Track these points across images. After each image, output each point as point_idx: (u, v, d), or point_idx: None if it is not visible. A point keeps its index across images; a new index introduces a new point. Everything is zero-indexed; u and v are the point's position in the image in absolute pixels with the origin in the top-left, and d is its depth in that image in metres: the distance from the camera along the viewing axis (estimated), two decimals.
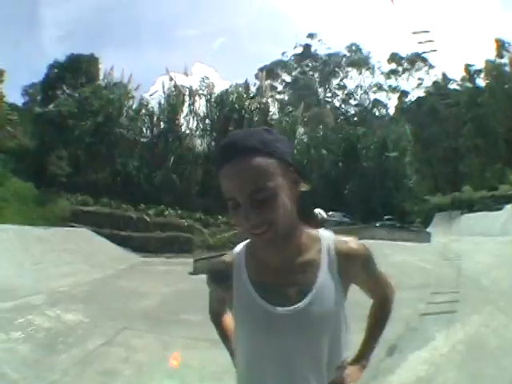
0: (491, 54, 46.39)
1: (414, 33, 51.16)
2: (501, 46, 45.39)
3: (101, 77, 35.34)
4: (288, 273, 1.47)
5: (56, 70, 34.69)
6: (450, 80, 55.73)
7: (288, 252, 1.48)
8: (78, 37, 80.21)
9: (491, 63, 45.50)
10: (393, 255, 14.84)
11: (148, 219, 23.99)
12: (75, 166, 27.62)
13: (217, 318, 1.96)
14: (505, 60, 44.60)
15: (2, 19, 68.63)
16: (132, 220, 23.75)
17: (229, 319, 1.85)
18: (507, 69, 43.76)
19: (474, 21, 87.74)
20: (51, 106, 30.34)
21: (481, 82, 49.23)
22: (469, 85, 50.72)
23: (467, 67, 51.38)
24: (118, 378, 5.51)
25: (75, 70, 34.23)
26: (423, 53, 53.39)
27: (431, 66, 56.89)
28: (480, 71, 49.42)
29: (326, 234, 1.58)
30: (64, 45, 66.64)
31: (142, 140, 33.01)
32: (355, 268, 1.52)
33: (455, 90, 53.28)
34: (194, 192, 30.13)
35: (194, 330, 7.45)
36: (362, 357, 1.75)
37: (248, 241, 1.64)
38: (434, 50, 51.60)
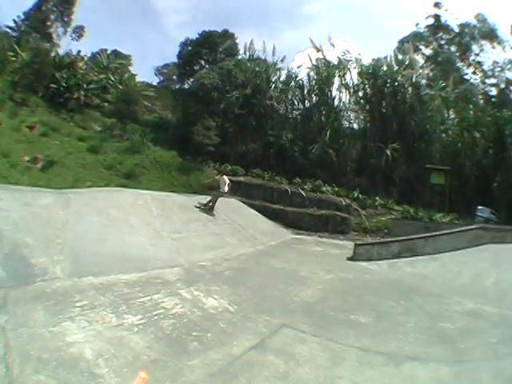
0: None
1: None
2: None
3: (241, 51, 34.37)
4: None
5: (190, 48, 34.72)
6: None
7: None
8: (200, 21, 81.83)
9: None
10: None
11: (304, 194, 22.35)
12: (223, 137, 27.11)
13: None
14: None
15: (120, 15, 74.75)
16: (286, 193, 22.31)
17: None
18: None
19: None
20: (191, 80, 31.14)
21: None
22: None
23: None
24: None
25: (211, 45, 34.11)
26: None
27: None
28: None
29: None
30: (188, 29, 68.54)
31: (294, 112, 31.85)
32: None
33: None
34: (350, 169, 28.30)
35: (366, 339, 6.48)
36: None
37: None
38: None
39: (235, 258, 10.53)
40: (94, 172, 19.32)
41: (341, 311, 7.57)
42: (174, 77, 39.15)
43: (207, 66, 32.16)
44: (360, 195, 22.98)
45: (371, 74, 29.12)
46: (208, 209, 13.73)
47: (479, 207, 23.53)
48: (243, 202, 18.94)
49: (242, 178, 23.03)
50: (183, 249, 9.85)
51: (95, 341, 4.63)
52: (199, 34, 34.17)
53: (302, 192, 22.01)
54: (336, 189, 23.25)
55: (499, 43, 49.11)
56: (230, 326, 5.85)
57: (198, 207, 13.57)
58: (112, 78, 29.75)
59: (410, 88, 29.32)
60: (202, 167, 23.90)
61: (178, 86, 35.71)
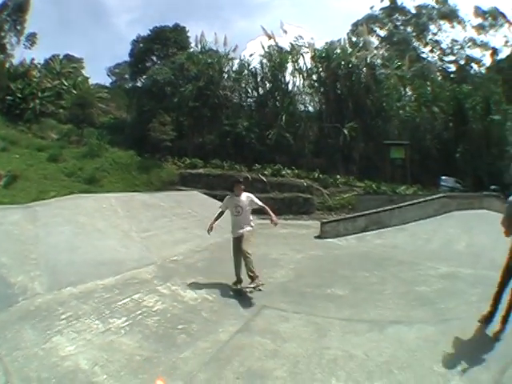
0: None
1: None
2: None
3: (192, 44, 34.43)
4: None
5: (141, 45, 34.55)
6: None
7: None
8: (151, 18, 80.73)
9: None
10: None
11: (264, 179, 22.49)
12: (180, 131, 26.96)
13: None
14: None
15: (71, 18, 72.82)
16: (247, 180, 21.52)
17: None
18: None
19: None
20: (144, 77, 31.18)
21: None
22: None
23: None
24: (268, 382, 4.39)
25: (163, 41, 34.05)
26: None
27: (510, 23, 51.08)
28: None
29: None
30: (140, 27, 67.98)
31: (249, 100, 31.93)
32: None
33: None
34: (309, 151, 28.45)
35: (346, 309, 6.73)
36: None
37: None
38: None
39: (205, 249, 10.60)
40: (56, 181, 18.97)
41: (317, 287, 7.79)
42: (127, 76, 38.95)
43: (159, 62, 32.01)
44: (320, 175, 23.23)
45: (324, 57, 29.54)
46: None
47: (443, 177, 24.22)
48: (205, 194, 18.89)
49: (201, 170, 23.05)
50: (154, 246, 9.84)
51: (87, 350, 4.65)
52: (150, 31, 34.08)
53: (263, 177, 22.19)
54: (296, 171, 23.42)
55: (459, 23, 50.69)
56: (212, 314, 5.97)
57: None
58: (65, 84, 29.43)
59: (364, 69, 29.83)
60: (161, 164, 23.77)
61: (131, 85, 35.55)
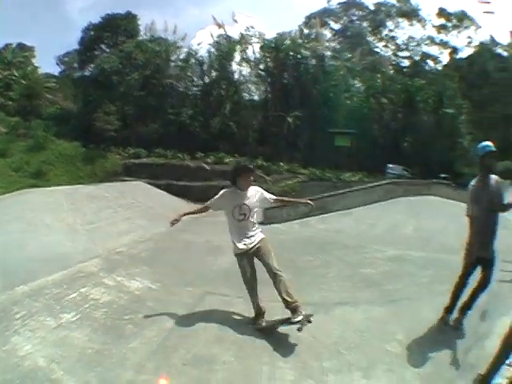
0: None
1: None
2: None
3: (141, 32, 34.11)
4: None
5: (92, 33, 33.90)
6: (498, 44, 53.21)
7: None
8: (104, 5, 77.05)
9: None
10: (463, 216, 13.31)
11: (207, 167, 22.67)
12: (124, 121, 26.73)
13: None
14: None
15: (24, 4, 70.85)
16: (190, 169, 22.44)
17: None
18: None
19: None
20: (92, 66, 30.51)
21: None
22: None
23: None
24: (215, 366, 4.41)
25: (113, 29, 33.46)
26: (485, 13, 52.67)
27: (478, 26, 53.61)
28: None
29: None
30: (93, 13, 66.43)
31: (194, 89, 31.95)
32: None
33: (500, 54, 51.85)
34: (253, 139, 28.77)
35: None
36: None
37: None
38: (492, 12, 51.98)
39: (149, 239, 10.56)
40: (4, 177, 18.79)
41: (260, 272, 7.73)
42: (76, 65, 37.85)
43: (108, 51, 31.45)
44: (264, 163, 23.42)
45: (273, 47, 29.79)
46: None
47: (390, 165, 24.92)
48: (149, 184, 18.86)
49: (145, 160, 23.07)
50: (99, 239, 9.75)
51: (43, 348, 4.62)
52: (102, 18, 33.34)
53: (206, 166, 22.34)
54: (238, 159, 23.38)
55: (419, 21, 52.62)
56: (157, 303, 5.99)
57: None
58: (16, 74, 28.80)
59: (313, 60, 30.27)
60: (105, 154, 23.47)
61: (79, 74, 34.41)
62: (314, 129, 27.42)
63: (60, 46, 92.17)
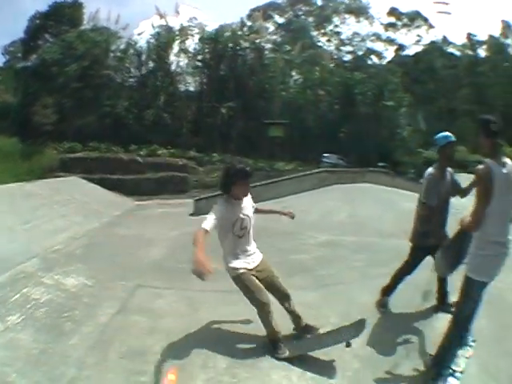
0: (493, 31, 52.41)
1: None
2: (506, 27, 51.11)
3: (85, 21, 33.94)
4: None
5: (38, 21, 33.30)
6: (450, 43, 57.22)
7: None
8: None
9: (495, 39, 51.18)
10: (400, 202, 14.55)
11: (140, 160, 23.19)
12: (62, 114, 26.55)
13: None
14: (509, 41, 50.68)
15: None
16: (123, 162, 22.86)
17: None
18: (510, 50, 50.00)
19: None
20: (34, 57, 30.15)
21: (481, 53, 53.57)
22: (469, 52, 53.85)
23: (470, 35, 54.35)
24: (149, 358, 4.49)
25: (58, 18, 32.91)
26: (439, 13, 55.14)
27: (431, 26, 56.64)
28: (482, 43, 53.40)
29: None
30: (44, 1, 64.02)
31: (130, 80, 32.34)
32: None
33: (452, 53, 55.95)
34: (187, 130, 29.53)
35: (219, 282, 6.23)
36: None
37: None
38: (448, 13, 53.89)
39: (84, 235, 10.68)
40: None
41: (189, 262, 7.61)
42: (20, 55, 36.58)
43: (51, 40, 31.05)
44: (197, 154, 24.29)
45: (213, 39, 30.52)
46: None
47: (325, 154, 26.07)
48: (84, 178, 18.76)
49: (80, 154, 23.21)
50: (36, 238, 9.71)
51: None
52: (49, 6, 32.70)
53: (139, 158, 22.87)
54: (172, 151, 24.28)
55: (367, 18, 54.82)
56: (92, 299, 6.17)
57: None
58: None
59: (252, 52, 31.31)
60: (42, 149, 23.28)
61: (22, 65, 33.55)
62: (248, 119, 28.20)
63: (8, 35, 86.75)
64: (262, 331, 4.73)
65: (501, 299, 5.72)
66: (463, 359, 4.30)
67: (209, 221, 4.46)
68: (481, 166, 3.87)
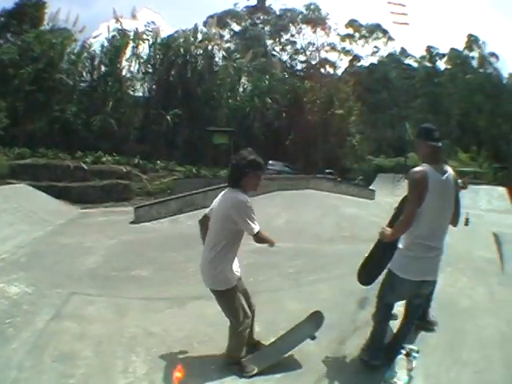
0: (455, 45, 55.29)
1: (389, 2, 53.68)
2: (473, 41, 53.28)
3: (45, 21, 33.44)
4: None
5: (2, 19, 33.11)
6: (409, 55, 60.18)
7: None
8: None
9: (457, 52, 53.85)
10: (343, 207, 15.35)
11: (85, 167, 22.88)
12: (14, 118, 25.98)
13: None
14: (473, 54, 53.27)
15: None
16: (69, 169, 22.51)
17: None
18: (473, 62, 52.69)
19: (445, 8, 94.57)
20: None
21: (440, 65, 56.69)
22: (428, 64, 56.64)
23: (429, 48, 57.28)
24: (77, 362, 4.84)
25: (21, 17, 32.64)
26: (396, 24, 56.03)
27: (390, 38, 57.89)
28: (442, 55, 56.64)
29: None
30: None
31: (81, 85, 31.95)
32: None
33: (410, 65, 58.98)
34: (133, 137, 29.71)
35: (147, 289, 7.33)
36: None
37: None
38: (406, 23, 54.01)
39: (29, 244, 10.93)
40: None
41: (122, 270, 8.60)
42: None
43: (12, 40, 30.77)
44: (141, 161, 24.14)
45: (164, 45, 30.90)
46: None
47: (270, 162, 26.76)
48: (32, 186, 18.76)
49: (29, 161, 22.58)
50: None
51: None
52: (14, 4, 32.63)
53: (84, 165, 22.49)
54: (117, 158, 24.06)
55: (324, 29, 54.96)
56: (31, 306, 6.49)
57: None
58: None
59: (203, 59, 31.95)
60: None
61: None
62: (193, 127, 28.90)
63: None
64: (179, 336, 5.34)
65: (452, 304, 6.09)
66: (404, 371, 4.16)
67: (255, 220, 4.46)
68: (416, 169, 4.05)
